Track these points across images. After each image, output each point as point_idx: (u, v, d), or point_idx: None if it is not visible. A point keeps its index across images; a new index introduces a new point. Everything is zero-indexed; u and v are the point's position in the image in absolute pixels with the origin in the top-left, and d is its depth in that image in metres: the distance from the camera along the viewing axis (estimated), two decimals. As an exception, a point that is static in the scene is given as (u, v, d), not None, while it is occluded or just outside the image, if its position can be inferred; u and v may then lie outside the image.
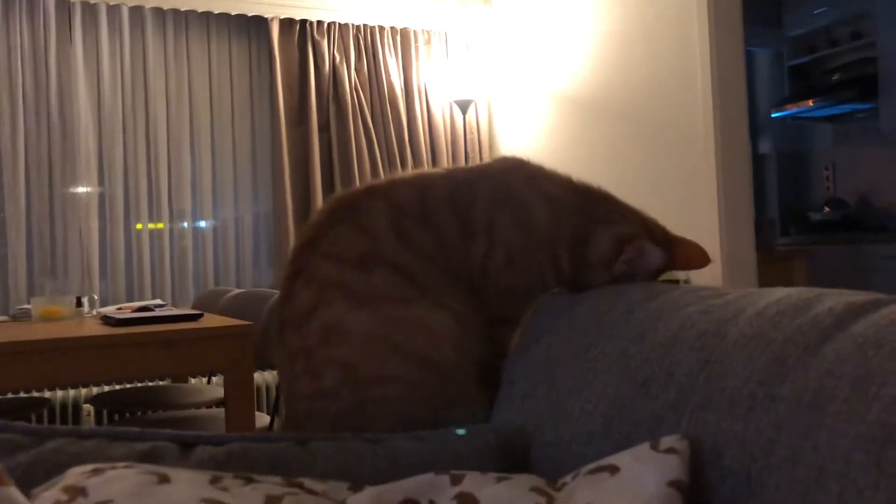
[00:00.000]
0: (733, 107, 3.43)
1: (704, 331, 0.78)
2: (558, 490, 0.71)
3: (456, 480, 0.73)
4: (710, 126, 3.39)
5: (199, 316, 2.62)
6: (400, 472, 0.79)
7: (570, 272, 1.11)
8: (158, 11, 4.19)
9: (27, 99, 3.93)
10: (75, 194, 4.02)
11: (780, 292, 0.78)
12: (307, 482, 0.74)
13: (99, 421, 3.80)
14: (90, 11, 4.06)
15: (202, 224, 4.36)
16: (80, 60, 4.02)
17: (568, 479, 0.73)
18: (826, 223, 5.27)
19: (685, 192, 3.51)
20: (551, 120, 4.27)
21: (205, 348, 2.37)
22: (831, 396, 0.63)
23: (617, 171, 3.88)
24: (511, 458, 0.88)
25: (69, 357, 2.20)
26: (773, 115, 5.54)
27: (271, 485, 0.72)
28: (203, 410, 3.14)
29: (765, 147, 5.75)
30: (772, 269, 3.88)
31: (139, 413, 3.63)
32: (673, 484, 0.66)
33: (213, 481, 0.70)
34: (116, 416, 3.77)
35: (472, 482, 0.72)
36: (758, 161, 5.65)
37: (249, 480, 0.73)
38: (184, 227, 4.27)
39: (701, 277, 3.41)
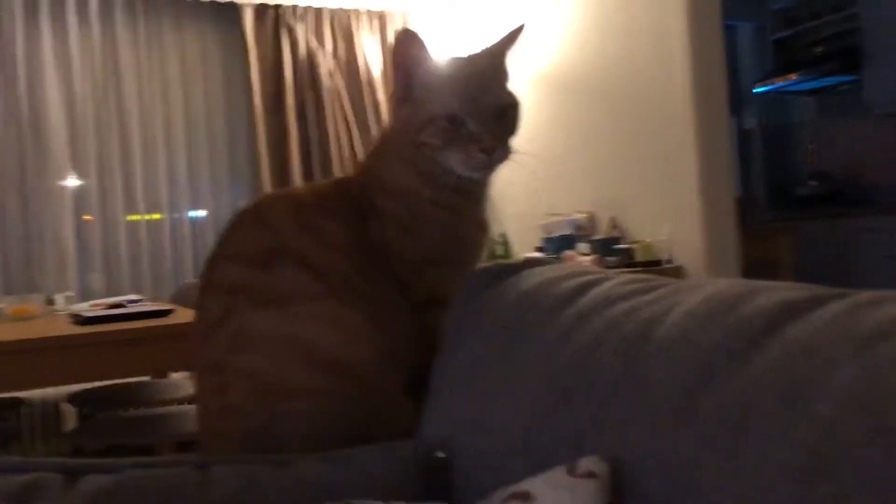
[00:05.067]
0: (712, 82, 3.35)
1: (629, 333, 0.70)
2: (470, 518, 0.66)
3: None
4: (689, 103, 3.32)
5: (169, 311, 2.55)
6: (307, 498, 0.72)
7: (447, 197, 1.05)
8: (129, -1, 4.10)
9: (-4, 92, 3.84)
10: (49, 188, 3.94)
11: (711, 287, 0.70)
12: (199, 513, 0.69)
13: (80, 419, 3.75)
14: (58, 0, 3.97)
15: (180, 216, 4.29)
16: (48, 51, 3.92)
17: (480, 506, 0.67)
18: (811, 197, 5.22)
19: (664, 170, 3.45)
20: (529, 100, 4.15)
21: (173, 345, 2.31)
22: (757, 413, 0.56)
23: (594, 151, 3.82)
24: (431, 477, 0.81)
25: (36, 358, 2.15)
26: (756, 90, 5.47)
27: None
28: (179, 407, 3.08)
29: (749, 122, 5.69)
30: (757, 245, 3.82)
31: (119, 411, 3.59)
32: (590, 512, 0.60)
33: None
34: (96, 414, 3.72)
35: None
36: (742, 136, 5.59)
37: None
38: (161, 220, 4.20)
39: (684, 256, 3.36)
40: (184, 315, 2.50)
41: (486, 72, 1.06)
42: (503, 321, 0.88)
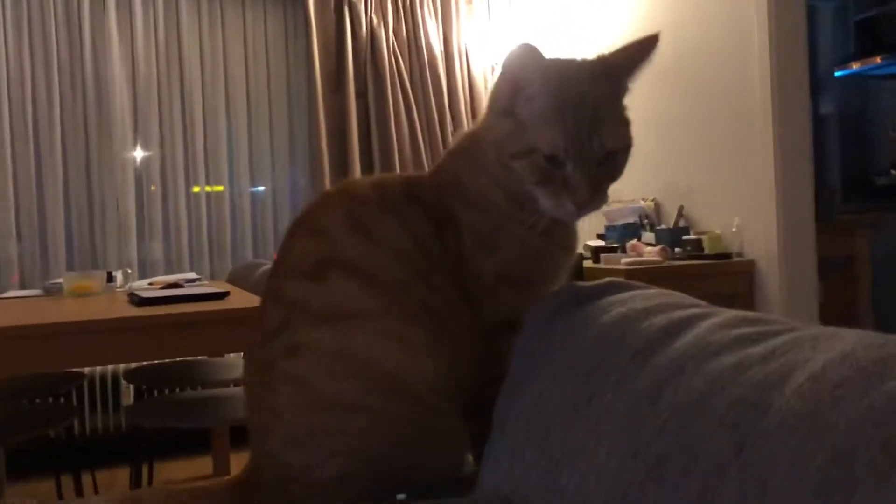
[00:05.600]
0: (793, 66, 3.17)
1: (740, 398, 0.58)
2: None
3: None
4: (767, 87, 3.15)
5: (225, 294, 2.53)
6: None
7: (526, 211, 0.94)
8: (191, -24, 4.08)
9: (62, 67, 3.85)
10: (112, 161, 3.97)
11: (842, 342, 0.57)
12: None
13: (138, 396, 3.80)
14: (123, -23, 3.97)
15: (241, 190, 4.29)
16: (113, 27, 3.94)
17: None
18: (892, 188, 4.96)
19: (738, 158, 3.29)
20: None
21: (228, 329, 2.28)
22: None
23: (663, 135, 3.66)
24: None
25: (93, 338, 2.15)
26: (836, 74, 5.21)
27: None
28: (234, 389, 3.07)
29: (826, 108, 5.43)
30: (832, 238, 3.64)
31: (177, 390, 3.62)
32: None
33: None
34: (155, 392, 3.77)
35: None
36: (818, 122, 5.34)
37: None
38: (221, 193, 4.20)
39: (756, 249, 3.21)
40: (239, 298, 2.47)
41: (603, 102, 0.93)
42: (580, 361, 0.77)
